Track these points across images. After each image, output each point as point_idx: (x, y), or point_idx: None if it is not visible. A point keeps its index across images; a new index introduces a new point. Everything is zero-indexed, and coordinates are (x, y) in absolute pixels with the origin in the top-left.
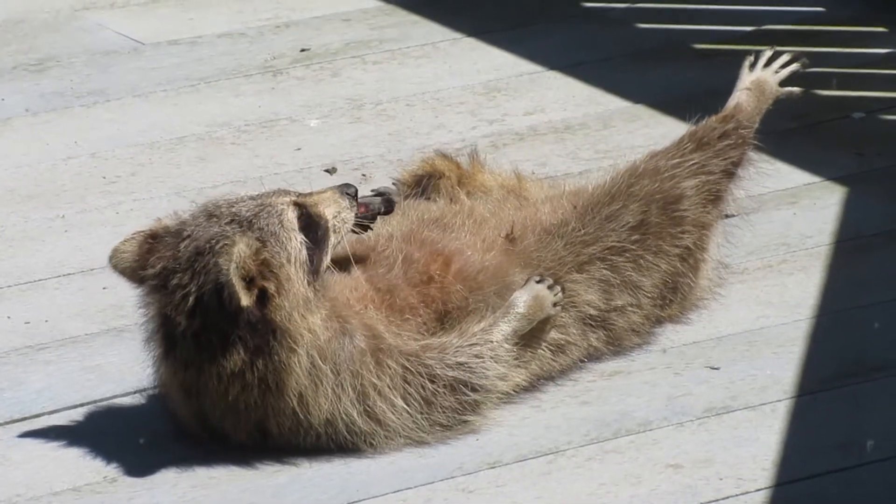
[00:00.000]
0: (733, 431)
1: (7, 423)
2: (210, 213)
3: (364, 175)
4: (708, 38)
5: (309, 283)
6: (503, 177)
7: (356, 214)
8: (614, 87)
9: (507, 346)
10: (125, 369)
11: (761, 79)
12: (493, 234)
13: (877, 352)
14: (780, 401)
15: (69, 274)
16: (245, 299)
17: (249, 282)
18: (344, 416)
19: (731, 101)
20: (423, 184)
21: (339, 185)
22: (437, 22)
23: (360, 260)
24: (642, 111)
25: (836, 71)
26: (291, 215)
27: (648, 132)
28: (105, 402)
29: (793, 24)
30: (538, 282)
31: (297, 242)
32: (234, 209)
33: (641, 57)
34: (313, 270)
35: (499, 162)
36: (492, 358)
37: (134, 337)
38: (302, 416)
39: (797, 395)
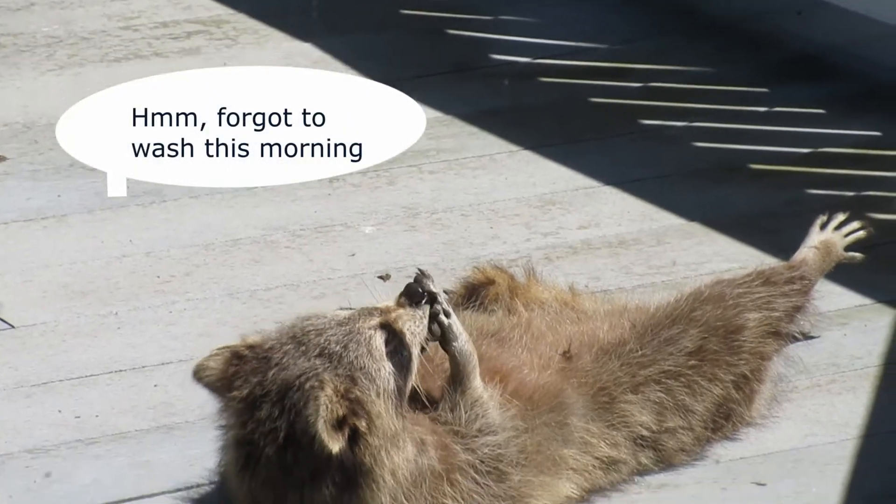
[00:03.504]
0: None
1: None
2: (298, 341)
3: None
4: (763, 158)
5: (397, 414)
6: (557, 290)
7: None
8: (669, 204)
9: (485, 393)
10: (174, 466)
11: (830, 240)
12: (549, 350)
13: None
14: None
15: (121, 370)
16: (336, 446)
17: (341, 420)
18: None
19: (799, 255)
20: (476, 293)
21: (409, 294)
22: (495, 134)
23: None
24: (696, 228)
25: (891, 195)
26: (380, 342)
27: (702, 250)
28: (153, 499)
29: (849, 147)
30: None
31: (386, 373)
32: (321, 339)
33: (697, 175)
34: (400, 398)
35: (552, 275)
36: (491, 408)
37: (184, 434)
38: None
39: None
